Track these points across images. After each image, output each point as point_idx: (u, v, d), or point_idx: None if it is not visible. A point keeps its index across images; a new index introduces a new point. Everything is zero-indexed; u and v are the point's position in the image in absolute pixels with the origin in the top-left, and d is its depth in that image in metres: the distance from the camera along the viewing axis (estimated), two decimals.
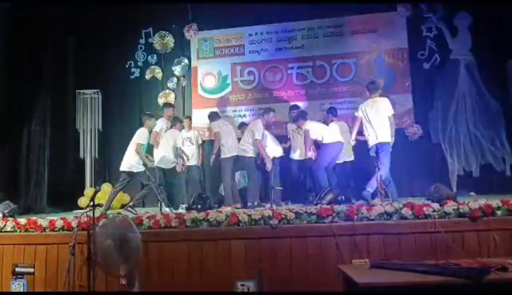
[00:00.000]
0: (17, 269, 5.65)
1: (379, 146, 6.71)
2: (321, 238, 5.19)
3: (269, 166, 7.17)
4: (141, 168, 7.42)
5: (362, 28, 9.40)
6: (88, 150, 9.88)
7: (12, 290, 5.59)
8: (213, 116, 8.18)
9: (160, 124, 8.02)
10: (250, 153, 7.40)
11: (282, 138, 8.28)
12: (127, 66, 10.17)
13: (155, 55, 10.16)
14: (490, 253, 4.84)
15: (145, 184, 7.52)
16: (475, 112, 8.75)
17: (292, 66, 9.58)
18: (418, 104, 8.97)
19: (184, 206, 7.37)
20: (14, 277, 5.62)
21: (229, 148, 7.53)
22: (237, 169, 7.85)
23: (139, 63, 10.19)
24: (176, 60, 10.10)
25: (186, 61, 10.09)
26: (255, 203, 7.03)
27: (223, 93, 9.87)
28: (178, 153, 7.70)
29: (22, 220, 6.07)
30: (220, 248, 5.35)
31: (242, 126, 8.53)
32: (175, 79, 10.08)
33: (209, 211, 5.91)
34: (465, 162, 8.69)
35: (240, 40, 9.89)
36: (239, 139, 7.86)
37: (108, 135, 10.07)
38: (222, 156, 7.59)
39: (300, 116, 7.71)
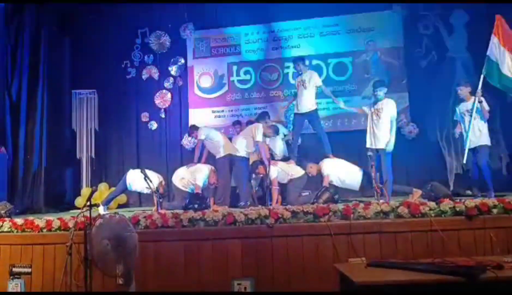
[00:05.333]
0: (14, 269, 5.65)
1: None
2: (317, 237, 5.20)
3: (267, 168, 7.14)
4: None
5: (358, 27, 9.41)
6: (84, 150, 9.89)
7: (9, 290, 5.59)
8: (192, 129, 8.20)
9: None
10: (242, 153, 7.40)
11: None
12: (123, 66, 10.14)
13: (151, 55, 10.13)
14: (486, 251, 4.85)
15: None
16: None
17: (288, 65, 9.57)
18: (414, 102, 8.98)
19: None
20: (11, 277, 5.61)
21: (223, 147, 7.55)
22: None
23: (136, 63, 10.16)
24: (172, 60, 10.08)
25: (182, 60, 10.07)
26: (248, 203, 7.04)
27: (219, 93, 9.87)
28: None
29: (19, 220, 6.05)
30: (217, 247, 5.35)
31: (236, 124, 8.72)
32: (171, 79, 10.07)
33: (205, 210, 5.90)
34: (462, 160, 8.69)
35: (236, 40, 9.89)
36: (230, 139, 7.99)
37: (105, 135, 10.06)
38: (217, 156, 7.61)
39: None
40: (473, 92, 6.89)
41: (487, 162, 6.90)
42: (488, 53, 6.89)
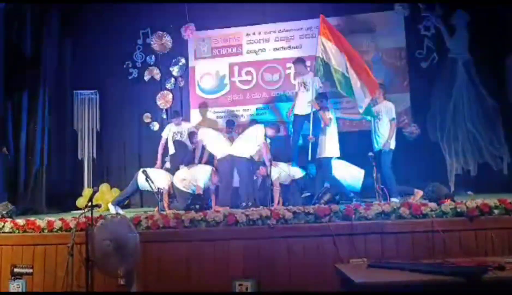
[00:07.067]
0: (15, 270, 5.65)
1: None
2: (319, 238, 5.20)
3: (269, 169, 7.13)
4: None
5: (359, 27, 9.36)
6: (86, 151, 9.90)
7: (11, 291, 5.59)
8: (192, 135, 8.20)
9: None
10: (244, 154, 7.39)
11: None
12: (125, 66, 10.13)
13: (153, 55, 10.12)
14: (488, 252, 4.85)
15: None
16: (472, 111, 8.74)
17: (290, 66, 9.53)
18: (416, 103, 8.97)
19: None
20: (12, 277, 5.62)
21: (224, 148, 7.53)
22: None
23: (137, 64, 10.15)
24: (173, 61, 10.07)
25: (183, 61, 10.07)
26: (249, 204, 7.02)
27: (220, 93, 9.85)
28: None
29: (21, 221, 6.05)
30: (218, 248, 5.35)
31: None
32: (173, 80, 10.07)
33: (207, 211, 5.91)
34: (463, 161, 8.69)
35: (237, 40, 9.87)
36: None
37: (106, 136, 10.07)
38: (219, 157, 7.58)
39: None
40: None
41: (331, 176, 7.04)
42: (318, 54, 7.04)
